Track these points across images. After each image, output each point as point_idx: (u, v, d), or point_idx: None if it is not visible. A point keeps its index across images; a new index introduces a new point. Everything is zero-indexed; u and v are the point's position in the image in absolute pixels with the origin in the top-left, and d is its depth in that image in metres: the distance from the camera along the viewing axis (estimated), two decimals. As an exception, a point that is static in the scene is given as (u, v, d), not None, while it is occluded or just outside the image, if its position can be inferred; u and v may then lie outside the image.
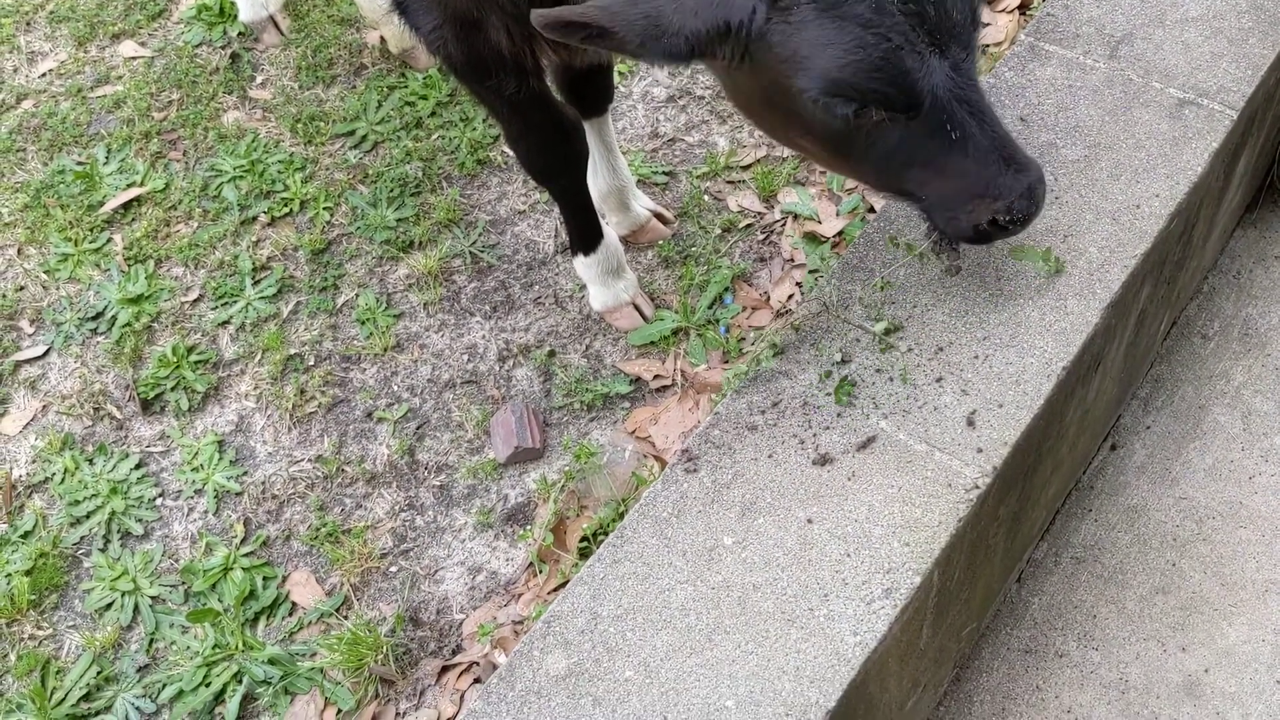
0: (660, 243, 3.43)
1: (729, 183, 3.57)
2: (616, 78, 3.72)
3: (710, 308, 3.29)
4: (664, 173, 3.58)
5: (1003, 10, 3.74)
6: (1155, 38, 2.46)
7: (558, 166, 2.88)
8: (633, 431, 3.15)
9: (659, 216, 3.45)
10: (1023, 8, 3.73)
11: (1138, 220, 2.22)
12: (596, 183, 3.29)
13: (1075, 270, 2.18)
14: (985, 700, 2.62)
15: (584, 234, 3.14)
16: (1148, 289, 2.40)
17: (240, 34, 3.89)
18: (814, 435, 2.06)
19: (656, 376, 3.23)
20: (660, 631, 1.89)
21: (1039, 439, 2.16)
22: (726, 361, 3.22)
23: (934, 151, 1.83)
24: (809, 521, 1.97)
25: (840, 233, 3.38)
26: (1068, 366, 2.08)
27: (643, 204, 3.41)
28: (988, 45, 3.67)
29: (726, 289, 3.32)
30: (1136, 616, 2.69)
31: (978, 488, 1.97)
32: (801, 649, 1.85)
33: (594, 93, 3.03)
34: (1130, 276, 2.18)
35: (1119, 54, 2.44)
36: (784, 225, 3.45)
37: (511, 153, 3.16)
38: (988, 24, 3.71)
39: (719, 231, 3.45)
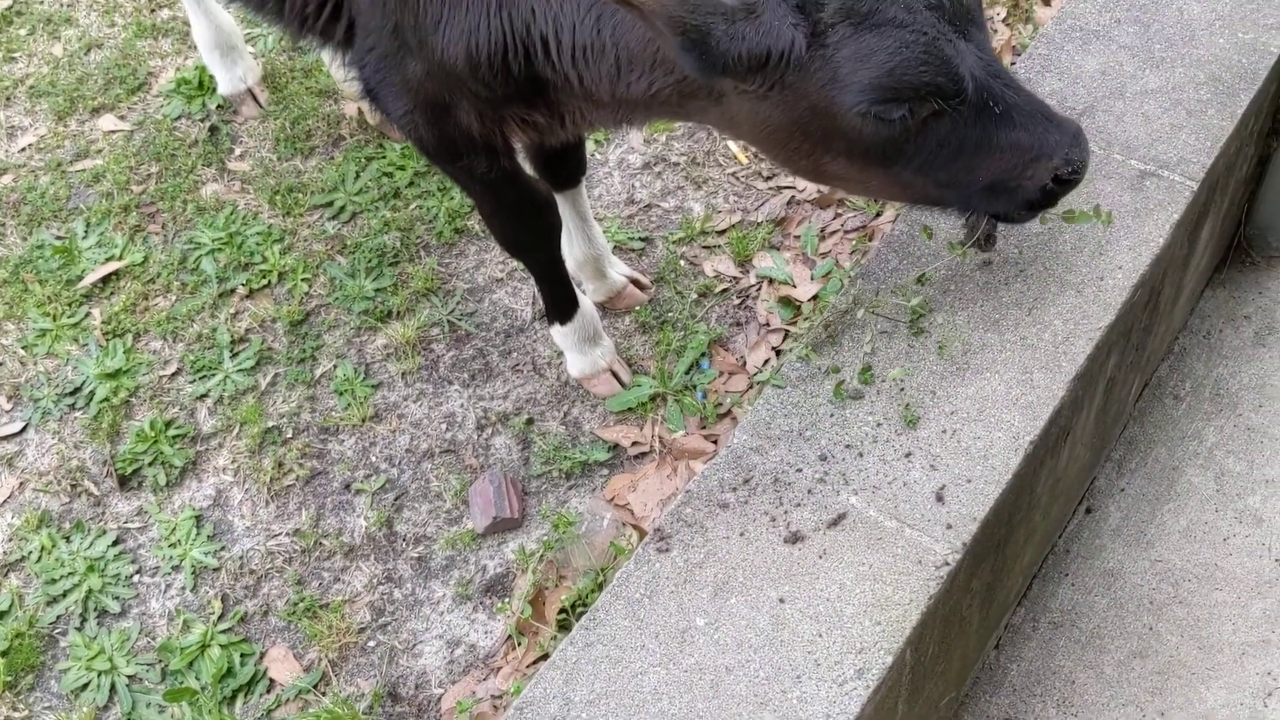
0: (637, 308, 3.46)
1: (705, 248, 3.60)
2: (592, 145, 3.76)
3: (687, 373, 3.31)
4: (640, 238, 3.61)
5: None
6: (1116, 110, 2.51)
7: (531, 241, 2.91)
8: (611, 499, 3.15)
9: (635, 282, 3.48)
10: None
11: (1102, 292, 2.25)
12: (573, 252, 3.32)
13: (1041, 343, 2.20)
14: (966, 769, 2.61)
15: (560, 303, 3.16)
16: (1115, 358, 2.42)
17: (219, 107, 3.92)
18: (785, 512, 2.07)
19: (635, 443, 3.24)
20: (634, 717, 1.88)
21: (1009, 512, 2.17)
22: (704, 427, 3.23)
23: (984, 131, 1.92)
24: (781, 601, 1.98)
25: (815, 296, 3.41)
26: (1035, 440, 2.10)
27: (619, 270, 3.44)
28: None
29: (703, 354, 3.34)
30: (1115, 681, 2.69)
31: (948, 564, 1.98)
32: (774, 732, 1.84)
33: (567, 167, 3.07)
34: (1096, 349, 2.20)
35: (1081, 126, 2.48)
36: (759, 290, 3.48)
37: (485, 227, 3.20)
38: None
39: (695, 296, 3.47)
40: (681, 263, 3.56)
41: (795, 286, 3.45)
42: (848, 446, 2.13)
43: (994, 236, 2.20)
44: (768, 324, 3.41)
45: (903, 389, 2.18)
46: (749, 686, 1.89)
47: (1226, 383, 3.08)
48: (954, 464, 2.09)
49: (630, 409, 3.27)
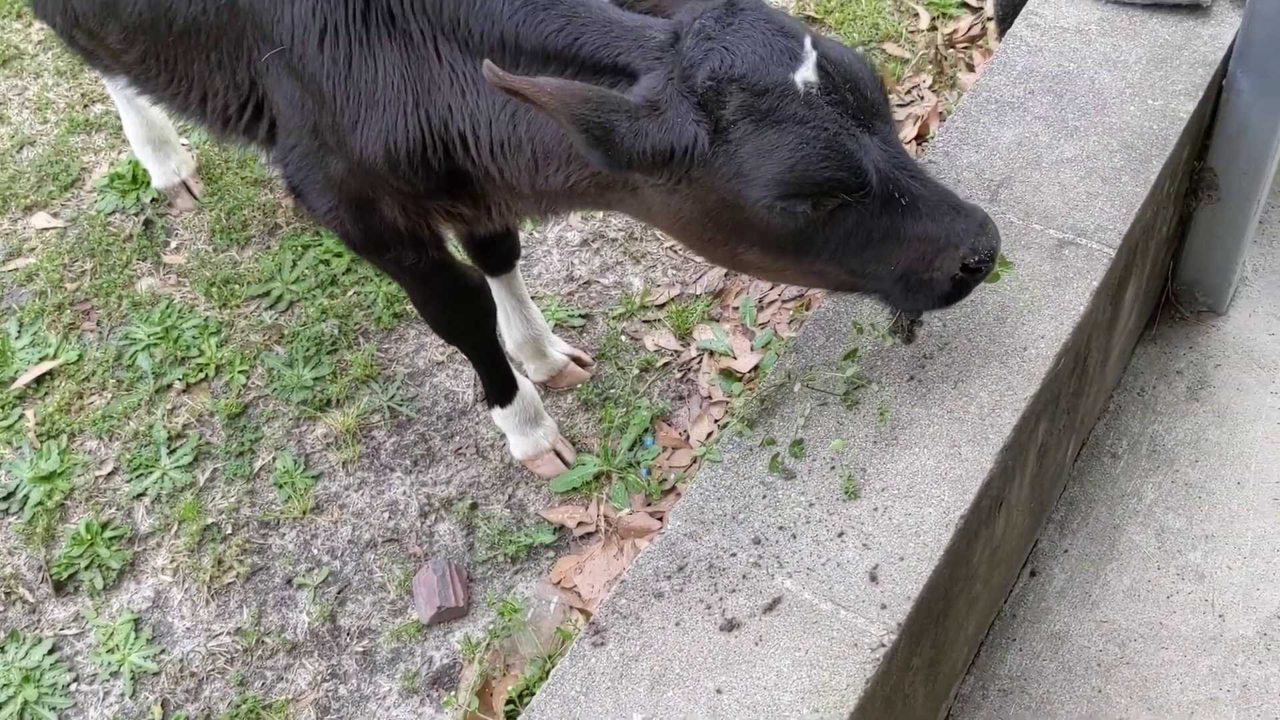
0: (579, 386, 3.45)
1: (645, 322, 3.61)
2: (529, 224, 3.78)
3: (631, 450, 3.30)
4: (580, 315, 3.62)
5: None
6: (1033, 180, 2.55)
7: (465, 327, 2.90)
8: (558, 582, 3.12)
9: (576, 360, 3.48)
10: (919, 138, 3.85)
11: (1026, 362, 2.27)
12: (511, 334, 3.32)
13: (967, 416, 2.21)
14: (922, 845, 2.58)
15: (499, 386, 3.15)
16: (1044, 424, 2.44)
17: (154, 200, 3.91)
18: (720, 599, 2.06)
19: (580, 523, 3.22)
20: (571, 819, 1.85)
21: (945, 586, 2.17)
22: (649, 504, 3.22)
23: (891, 222, 1.94)
24: (718, 692, 1.95)
25: (755, 367, 3.42)
26: (965, 514, 2.10)
27: (559, 349, 3.44)
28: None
29: (646, 430, 3.33)
30: (1067, 747, 2.67)
31: (884, 646, 1.97)
32: (714, 828, 1.82)
33: (500, 253, 3.08)
34: (1022, 419, 2.22)
35: (999, 198, 2.52)
36: (700, 362, 3.49)
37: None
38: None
39: (637, 371, 3.48)
40: (622, 338, 3.56)
41: (736, 358, 3.46)
42: (781, 528, 2.13)
43: (914, 332, 2.21)
44: (709, 397, 3.42)
45: (834, 466, 2.18)
46: (688, 782, 1.86)
47: (1162, 439, 3.11)
48: (886, 542, 2.08)
49: (575, 489, 3.25)
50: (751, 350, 3.47)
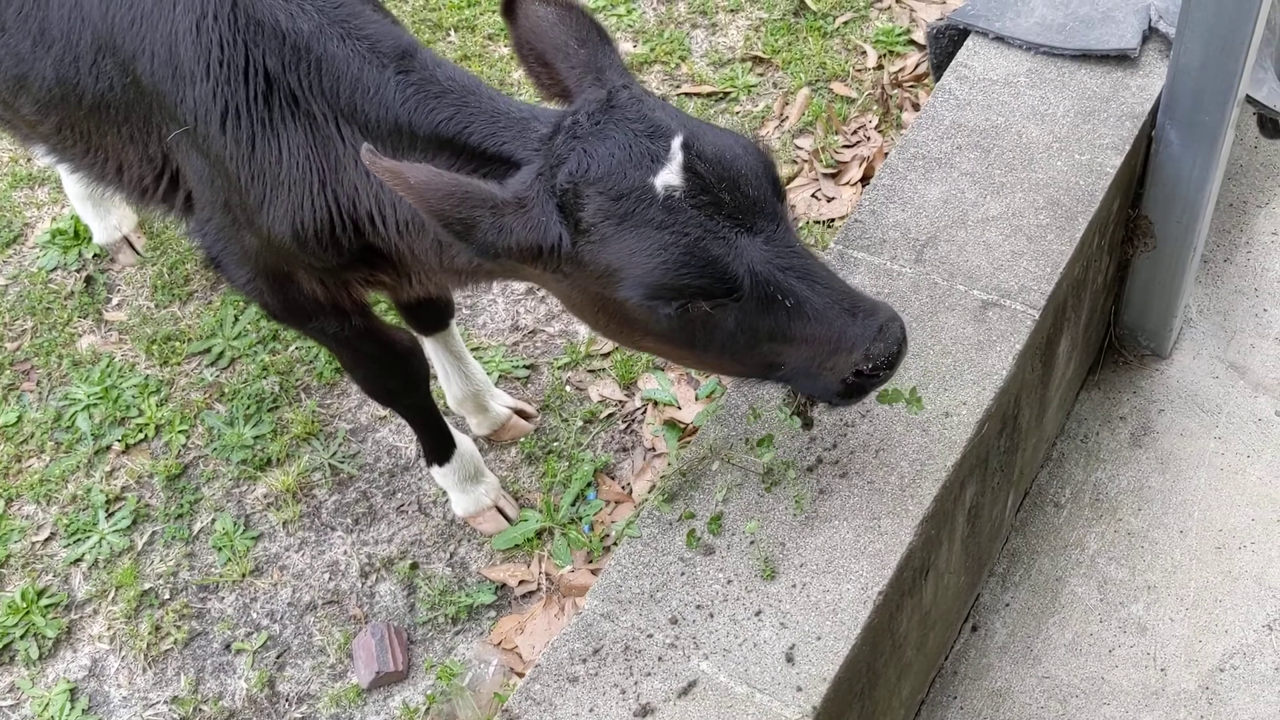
0: (523, 439, 3.42)
1: (590, 371, 3.58)
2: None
3: (574, 504, 3.27)
4: (525, 366, 3.59)
5: (846, 184, 3.84)
6: (958, 239, 2.53)
7: (396, 389, 2.88)
8: (499, 643, 3.09)
9: (520, 413, 3.45)
10: (865, 179, 3.83)
11: (947, 429, 2.25)
12: (451, 390, 3.29)
13: (888, 487, 2.19)
14: None
15: (437, 445, 3.12)
16: (972, 487, 2.41)
17: (96, 255, 3.88)
18: (635, 683, 2.03)
19: (522, 581, 3.18)
20: None
21: (867, 661, 2.14)
22: (590, 561, 3.19)
23: (775, 325, 1.88)
24: (630, 782, 1.92)
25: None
26: (884, 590, 2.08)
27: (502, 402, 3.41)
28: (831, 219, 3.76)
29: (589, 484, 3.30)
30: (1008, 808, 2.65)
31: (798, 730, 1.94)
32: None
33: (431, 313, 3.05)
34: (943, 489, 2.19)
35: (924, 257, 2.50)
36: (644, 413, 3.46)
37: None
38: (831, 198, 3.81)
39: (581, 423, 3.45)
40: (567, 388, 3.53)
41: (680, 407, 3.43)
42: (699, 607, 2.10)
43: (811, 418, 2.17)
44: (653, 449, 3.39)
45: (753, 542, 2.16)
46: None
47: (1105, 487, 3.09)
48: (804, 620, 2.06)
49: (517, 545, 3.22)
50: (696, 399, 3.45)
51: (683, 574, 2.15)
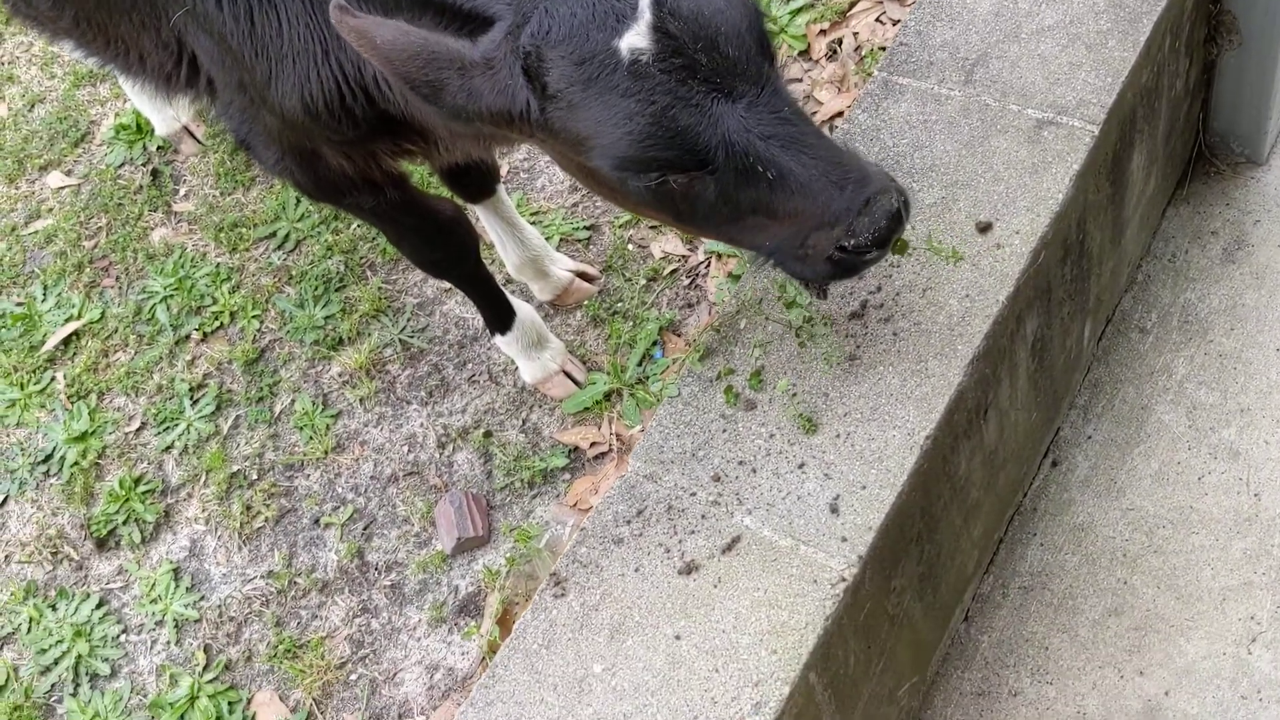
0: (587, 301, 3.38)
1: (652, 228, 3.49)
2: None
3: (640, 364, 3.23)
4: (586, 227, 3.52)
5: (911, 4, 3.60)
6: (1011, 54, 2.35)
7: (443, 260, 2.85)
8: (574, 504, 3.11)
9: (583, 275, 3.40)
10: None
11: (999, 262, 2.12)
12: (509, 257, 3.25)
13: (935, 328, 2.09)
14: (941, 751, 2.55)
15: (496, 314, 3.11)
16: (1034, 321, 2.29)
17: (159, 148, 3.91)
18: (679, 542, 2.01)
19: (594, 443, 3.19)
20: (533, 775, 1.86)
21: (919, 507, 2.08)
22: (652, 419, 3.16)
23: (756, 197, 1.75)
24: (677, 638, 1.92)
25: (767, 265, 3.29)
26: (931, 434, 2.00)
27: (563, 266, 3.36)
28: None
29: (655, 343, 3.26)
30: (1090, 643, 2.59)
31: (844, 580, 1.91)
32: (672, 779, 1.80)
33: (475, 179, 2.99)
34: (995, 324, 2.08)
35: (974, 78, 2.33)
36: (708, 266, 3.38)
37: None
38: (897, 20, 3.57)
39: (644, 281, 3.39)
40: (629, 247, 3.47)
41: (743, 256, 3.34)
42: (741, 463, 2.06)
43: (825, 289, 2.02)
44: (718, 303, 3.32)
45: (795, 394, 2.09)
46: (646, 732, 1.85)
47: (1195, 308, 2.91)
48: (848, 470, 2.00)
49: (587, 409, 3.21)
50: (760, 248, 3.34)
51: (724, 431, 2.10)
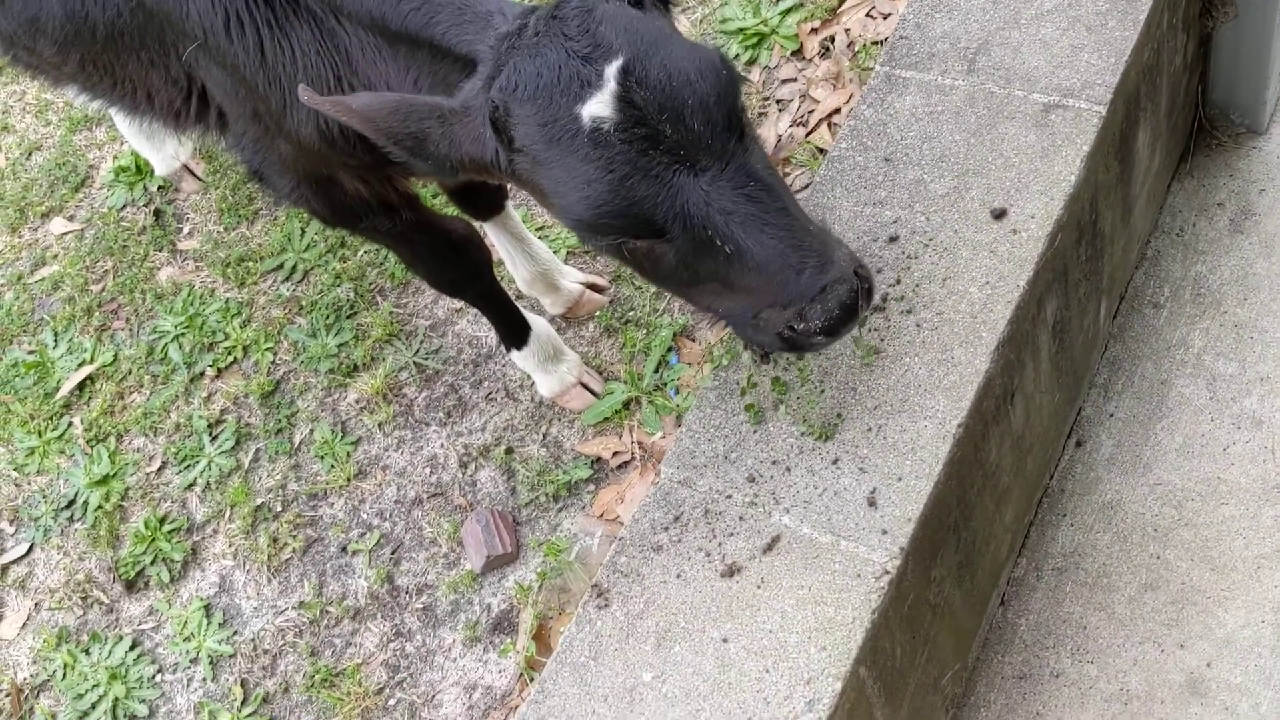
0: (599, 312, 3.39)
1: (658, 235, 3.50)
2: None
3: (657, 371, 3.24)
4: (593, 238, 3.53)
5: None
6: (1012, 40, 2.36)
7: (459, 281, 2.86)
8: (600, 515, 3.12)
9: (593, 287, 3.41)
10: None
11: (1016, 247, 2.13)
12: (519, 273, 3.26)
13: (958, 316, 2.10)
14: (986, 737, 2.55)
15: (511, 330, 3.12)
16: (1054, 303, 2.30)
17: (160, 188, 3.92)
18: (719, 545, 2.02)
19: (616, 453, 3.19)
20: (591, 786, 1.86)
21: (956, 495, 2.09)
22: (680, 425, 3.17)
23: (714, 268, 1.74)
24: (724, 641, 1.93)
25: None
26: (963, 422, 2.01)
27: (572, 279, 3.37)
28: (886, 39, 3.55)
29: (670, 349, 3.27)
30: (1128, 620, 2.60)
31: (888, 573, 1.91)
32: (731, 781, 1.81)
33: (485, 198, 3.00)
34: (1018, 309, 2.09)
35: (977, 66, 2.34)
36: (718, 269, 3.38)
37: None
38: (887, 14, 3.59)
39: (654, 289, 3.39)
40: (637, 255, 3.47)
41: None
42: (774, 462, 2.06)
43: (766, 356, 2.01)
44: (731, 304, 3.33)
45: (823, 390, 2.10)
46: (701, 737, 1.85)
47: (1207, 279, 2.93)
48: (882, 463, 2.00)
49: (606, 419, 3.22)
50: (768, 248, 3.35)
51: (755, 432, 2.11)
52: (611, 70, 1.66)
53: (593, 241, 1.77)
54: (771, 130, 3.54)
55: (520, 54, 1.71)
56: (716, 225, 1.68)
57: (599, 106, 1.66)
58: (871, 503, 1.98)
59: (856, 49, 3.58)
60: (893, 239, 2.19)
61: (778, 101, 3.60)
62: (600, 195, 1.66)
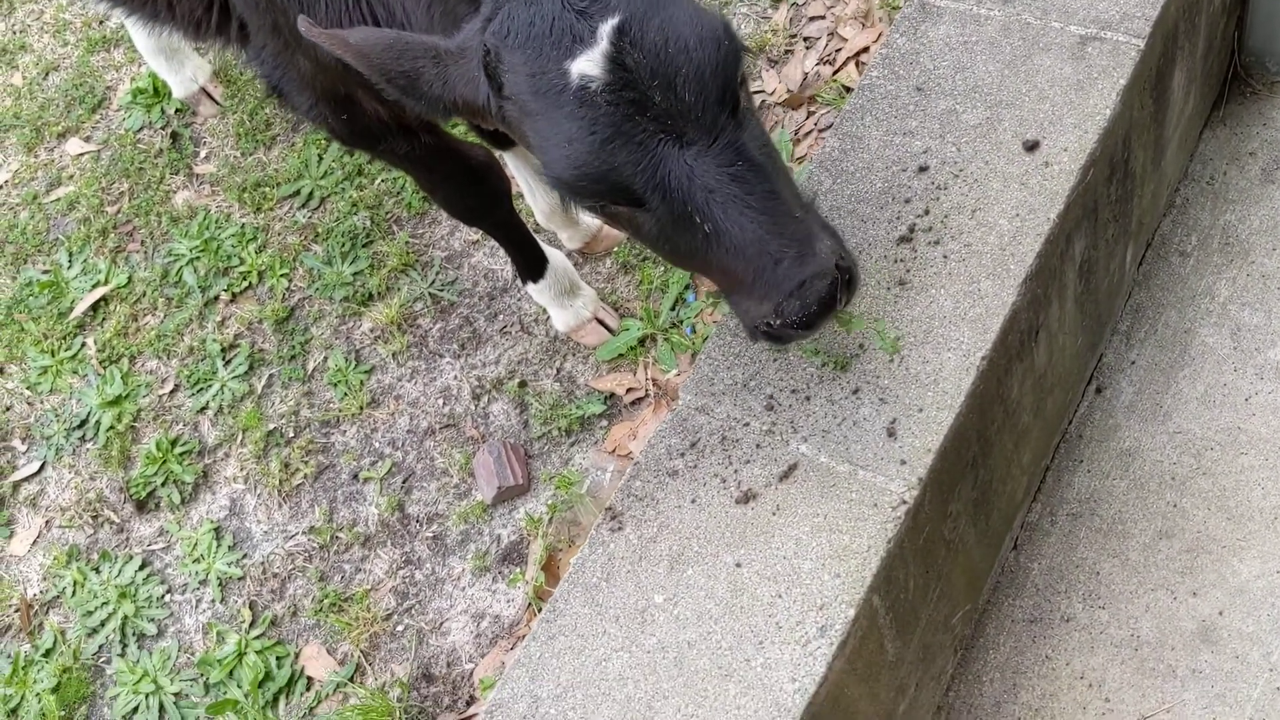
0: (617, 248, 3.36)
1: (679, 172, 3.46)
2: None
3: (674, 309, 3.22)
4: (612, 173, 3.49)
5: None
6: (1051, -30, 2.31)
7: (478, 209, 2.83)
8: (613, 450, 3.10)
9: (611, 222, 3.37)
10: None
11: (1048, 180, 2.09)
12: (538, 204, 3.23)
13: (986, 248, 2.06)
14: (995, 678, 2.54)
15: (528, 262, 3.09)
16: (1082, 241, 2.26)
17: (178, 111, 3.88)
18: (735, 471, 2.00)
19: (630, 389, 3.17)
20: (600, 706, 1.86)
21: (976, 430, 2.06)
22: (695, 362, 3.15)
23: (692, 245, 1.68)
24: (738, 565, 1.91)
25: (797, 205, 3.26)
26: (987, 355, 1.98)
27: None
28: None
29: (687, 286, 3.24)
30: (1141, 567, 2.58)
31: (905, 503, 1.89)
32: (741, 704, 1.80)
33: (504, 125, 2.96)
34: (1047, 243, 2.06)
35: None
36: (738, 207, 3.35)
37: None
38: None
39: (674, 226, 3.36)
40: (657, 192, 3.43)
41: (774, 198, 3.30)
42: (793, 391, 2.04)
43: (760, 335, 1.88)
44: (750, 242, 3.29)
45: (846, 319, 2.07)
46: (712, 659, 1.84)
47: (1235, 229, 2.88)
48: (903, 394, 1.98)
49: (621, 355, 3.20)
50: (790, 187, 3.31)
51: (774, 360, 2.08)
52: (606, 28, 1.59)
53: (572, 201, 1.72)
54: (798, 68, 3.48)
55: (516, 1, 1.65)
56: (697, 202, 1.62)
57: (588, 65, 1.59)
58: (891, 433, 1.95)
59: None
60: (922, 169, 2.16)
61: (805, 39, 3.54)
62: (580, 156, 1.61)
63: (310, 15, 2.09)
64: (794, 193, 1.73)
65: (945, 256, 2.08)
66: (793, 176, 1.80)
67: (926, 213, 2.13)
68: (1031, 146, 2.13)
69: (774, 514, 1.94)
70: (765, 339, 1.78)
